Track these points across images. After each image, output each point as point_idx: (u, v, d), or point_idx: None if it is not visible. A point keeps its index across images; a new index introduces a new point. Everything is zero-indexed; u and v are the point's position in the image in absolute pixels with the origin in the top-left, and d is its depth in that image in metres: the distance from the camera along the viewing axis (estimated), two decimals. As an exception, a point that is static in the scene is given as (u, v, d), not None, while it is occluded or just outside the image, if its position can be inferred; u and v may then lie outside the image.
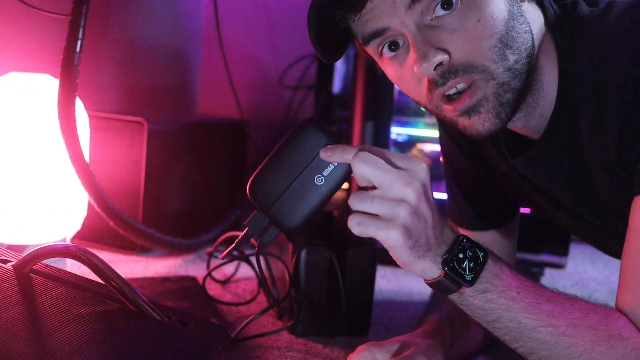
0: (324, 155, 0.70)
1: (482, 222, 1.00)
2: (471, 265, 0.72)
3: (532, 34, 0.78)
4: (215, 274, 1.22)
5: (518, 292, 0.72)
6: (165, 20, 1.84)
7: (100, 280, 0.76)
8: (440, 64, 0.75)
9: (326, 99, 1.76)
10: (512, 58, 0.76)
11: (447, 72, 0.75)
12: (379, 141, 1.50)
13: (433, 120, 1.72)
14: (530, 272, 1.40)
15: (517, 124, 0.83)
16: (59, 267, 0.79)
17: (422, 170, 0.70)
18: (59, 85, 1.10)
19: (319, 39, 0.80)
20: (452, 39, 0.74)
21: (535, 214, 1.09)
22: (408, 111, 1.72)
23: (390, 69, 0.80)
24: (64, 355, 0.65)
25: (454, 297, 0.73)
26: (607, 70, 0.74)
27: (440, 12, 0.74)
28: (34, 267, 0.76)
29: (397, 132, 1.69)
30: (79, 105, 1.14)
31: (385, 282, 1.32)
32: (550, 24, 0.81)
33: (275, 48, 2.06)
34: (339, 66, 1.77)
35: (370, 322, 1.01)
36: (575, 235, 0.99)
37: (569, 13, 0.81)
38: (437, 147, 1.71)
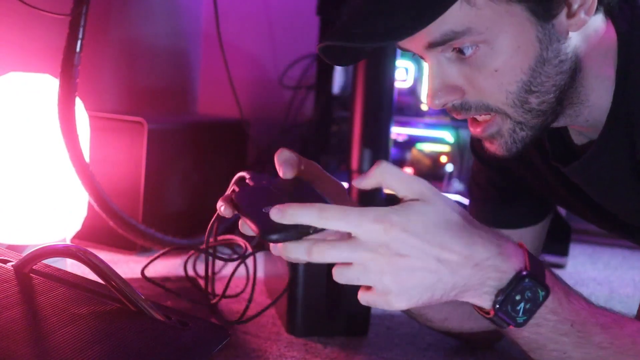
0: (273, 214, 0.60)
1: (509, 220, 0.95)
2: (527, 306, 0.64)
3: (572, 70, 0.73)
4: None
5: (572, 325, 0.66)
6: (165, 20, 1.83)
7: (100, 280, 0.76)
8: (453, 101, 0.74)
9: (326, 99, 1.76)
10: (535, 101, 0.72)
11: (459, 107, 0.74)
12: (379, 141, 1.50)
13: (433, 120, 1.72)
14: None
15: (559, 124, 0.79)
16: (59, 267, 0.79)
17: (381, 235, 0.59)
18: (59, 85, 1.10)
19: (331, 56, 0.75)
20: (468, 80, 0.72)
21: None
22: (408, 111, 1.73)
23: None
24: (64, 355, 0.65)
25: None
26: None
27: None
28: (34, 267, 0.76)
29: (397, 132, 1.69)
30: (79, 105, 1.14)
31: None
32: (618, 32, 0.75)
33: (275, 48, 2.06)
34: (339, 66, 1.77)
35: (370, 322, 1.01)
36: (610, 232, 0.96)
37: (631, 1, 0.76)
38: (437, 147, 1.71)
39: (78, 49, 1.11)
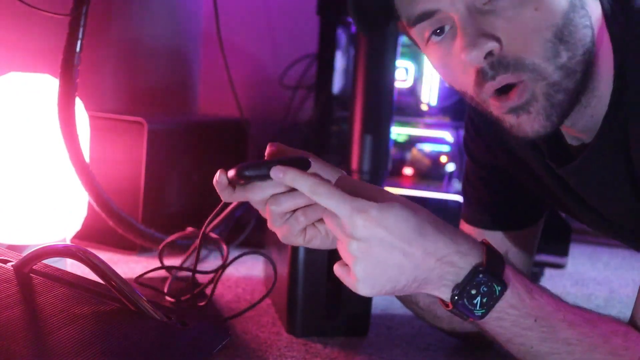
0: (274, 172, 0.68)
1: (503, 222, 0.96)
2: (484, 300, 0.68)
3: (592, 28, 0.72)
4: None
5: (535, 320, 0.69)
6: (165, 20, 1.83)
7: (100, 280, 0.76)
8: (491, 52, 0.70)
9: (326, 99, 1.76)
10: (565, 55, 0.70)
11: (497, 64, 0.70)
12: (379, 141, 1.50)
13: (433, 120, 1.72)
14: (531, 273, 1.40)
15: (565, 123, 0.77)
16: (59, 267, 0.80)
17: (359, 226, 0.66)
18: (59, 85, 1.10)
19: (358, 6, 0.76)
20: (506, 26, 0.70)
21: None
22: (408, 111, 1.72)
23: (434, 55, 0.76)
24: (64, 355, 0.65)
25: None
26: None
27: None
28: (34, 267, 0.76)
29: (397, 132, 1.69)
30: (79, 105, 1.14)
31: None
32: (606, 16, 0.75)
33: (275, 48, 2.06)
34: (339, 66, 1.77)
35: (370, 321, 1.01)
36: (606, 235, 0.96)
37: (623, 3, 0.75)
38: (436, 147, 1.71)
39: (78, 49, 1.11)
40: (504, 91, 0.72)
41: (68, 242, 1.16)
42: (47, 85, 1.12)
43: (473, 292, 0.67)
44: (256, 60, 2.08)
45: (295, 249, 0.98)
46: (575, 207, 0.88)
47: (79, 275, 0.79)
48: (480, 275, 0.67)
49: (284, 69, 1.98)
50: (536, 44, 0.70)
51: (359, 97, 1.48)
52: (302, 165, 0.70)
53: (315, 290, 0.99)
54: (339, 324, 0.99)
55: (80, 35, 1.11)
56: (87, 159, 1.14)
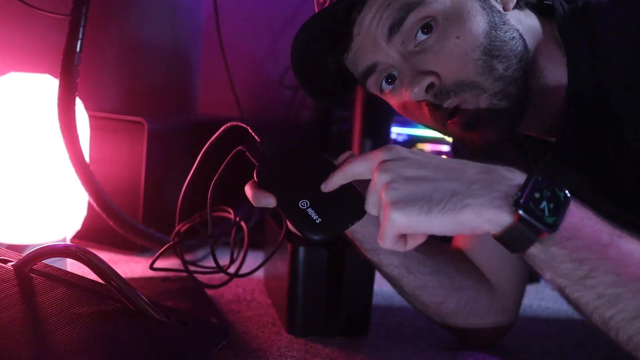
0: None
1: None
2: (551, 206, 0.56)
3: (522, 39, 0.77)
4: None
5: (611, 239, 0.58)
6: (165, 20, 1.83)
7: (100, 280, 0.76)
8: (432, 85, 0.76)
9: (326, 99, 1.76)
10: (500, 67, 0.75)
11: (439, 94, 0.76)
12: (379, 141, 1.50)
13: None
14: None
15: (531, 128, 0.82)
16: (59, 267, 0.79)
17: (377, 152, 0.65)
18: (59, 85, 1.10)
19: (310, 84, 0.83)
20: (437, 60, 0.75)
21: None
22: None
23: (392, 102, 0.82)
24: (64, 355, 0.65)
25: (533, 251, 0.58)
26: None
27: (421, 37, 0.76)
28: (34, 267, 0.76)
29: (397, 132, 1.69)
30: (79, 105, 1.14)
31: (385, 281, 1.31)
32: (559, 24, 0.80)
33: (275, 48, 2.06)
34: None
35: (370, 322, 1.01)
36: None
37: (580, 10, 0.80)
38: (437, 147, 1.71)
39: (78, 49, 1.11)
40: (453, 113, 0.77)
41: (68, 242, 1.16)
42: (47, 85, 1.12)
43: (537, 195, 0.57)
44: (256, 60, 2.08)
45: (295, 249, 0.98)
46: None
47: (79, 275, 0.79)
48: (540, 179, 0.58)
49: (284, 69, 1.98)
50: (469, 65, 0.75)
51: (359, 97, 1.48)
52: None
53: (315, 290, 0.99)
54: (339, 324, 0.99)
55: (80, 35, 1.11)
56: (87, 159, 1.15)
